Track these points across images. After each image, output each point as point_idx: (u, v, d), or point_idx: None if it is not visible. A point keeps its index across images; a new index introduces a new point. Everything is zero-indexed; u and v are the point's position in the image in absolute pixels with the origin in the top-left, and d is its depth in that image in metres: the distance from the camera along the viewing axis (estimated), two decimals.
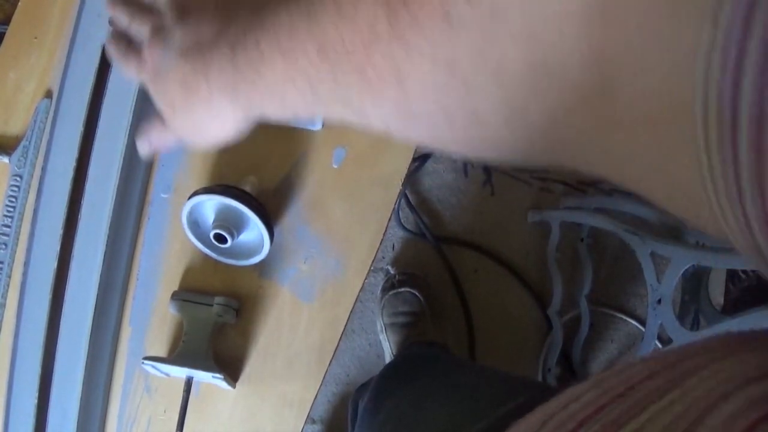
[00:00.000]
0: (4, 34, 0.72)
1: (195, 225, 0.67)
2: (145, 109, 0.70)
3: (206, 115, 0.36)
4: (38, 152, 0.70)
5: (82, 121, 0.68)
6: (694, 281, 1.20)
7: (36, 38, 0.72)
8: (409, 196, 1.33)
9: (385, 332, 1.22)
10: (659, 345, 1.16)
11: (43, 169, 0.69)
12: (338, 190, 0.71)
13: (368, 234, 0.70)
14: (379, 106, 0.24)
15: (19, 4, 0.73)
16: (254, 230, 0.66)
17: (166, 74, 0.36)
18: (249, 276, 0.70)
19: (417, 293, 1.21)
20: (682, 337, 0.92)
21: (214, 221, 0.65)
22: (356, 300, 0.69)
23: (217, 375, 0.64)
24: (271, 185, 0.71)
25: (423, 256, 1.32)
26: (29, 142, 0.70)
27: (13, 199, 0.69)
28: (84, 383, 0.66)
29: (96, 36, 0.69)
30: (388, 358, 1.22)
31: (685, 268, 0.93)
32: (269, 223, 0.65)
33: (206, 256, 0.69)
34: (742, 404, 0.17)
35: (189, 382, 0.65)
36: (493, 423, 0.44)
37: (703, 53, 0.14)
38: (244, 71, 0.30)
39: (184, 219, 0.65)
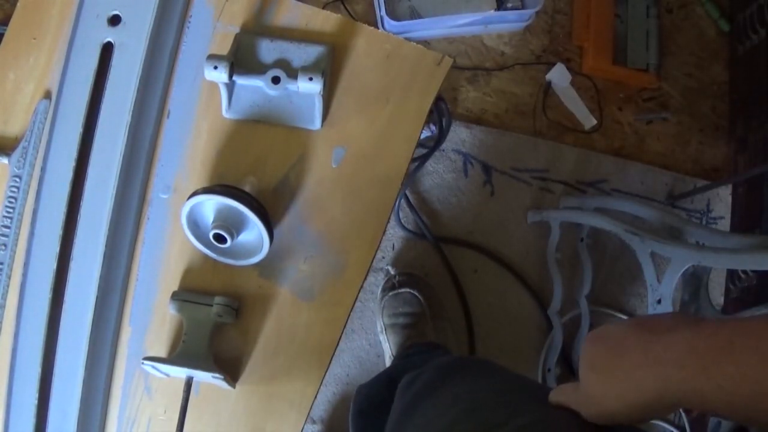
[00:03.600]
0: (3, 34, 0.72)
1: (195, 225, 0.67)
2: (144, 109, 0.70)
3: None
4: (37, 153, 0.70)
5: (81, 122, 0.68)
6: (694, 281, 1.20)
7: (35, 39, 0.72)
8: (409, 196, 1.33)
9: (385, 333, 1.22)
10: None
11: (43, 169, 0.69)
12: (338, 189, 0.71)
13: (368, 234, 0.70)
14: None
15: (19, 4, 0.73)
16: (254, 230, 0.66)
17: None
18: (249, 276, 0.70)
19: (417, 294, 1.21)
20: None
21: (213, 221, 0.65)
22: (356, 300, 0.69)
23: (217, 375, 0.64)
24: (270, 185, 0.71)
25: (423, 256, 1.32)
26: (28, 143, 0.70)
27: (13, 200, 0.69)
28: (84, 383, 0.66)
29: (95, 37, 0.69)
30: (387, 358, 1.22)
31: (685, 268, 0.93)
32: (269, 223, 0.65)
33: (206, 256, 0.69)
34: None
35: (189, 382, 0.65)
36: None
37: None
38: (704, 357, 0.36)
39: (184, 219, 0.65)
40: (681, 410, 1.28)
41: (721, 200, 1.40)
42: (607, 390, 0.41)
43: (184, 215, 0.65)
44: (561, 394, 0.48)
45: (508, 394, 0.54)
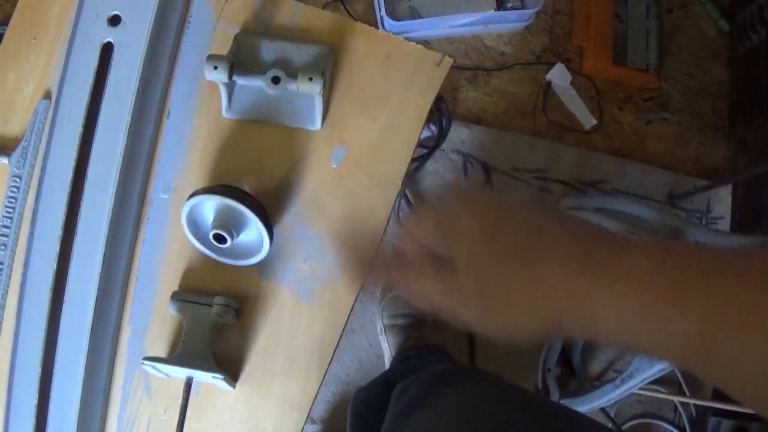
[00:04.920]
0: (3, 34, 0.72)
1: (194, 225, 0.67)
2: (144, 109, 0.70)
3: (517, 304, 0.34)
4: (37, 153, 0.70)
5: (81, 122, 0.68)
6: None
7: (35, 39, 0.72)
8: (409, 196, 1.33)
9: (385, 334, 1.22)
10: None
11: (43, 169, 0.69)
12: (338, 189, 0.71)
13: (368, 234, 0.70)
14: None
15: (18, 4, 0.73)
16: (254, 230, 0.66)
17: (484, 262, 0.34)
18: (249, 276, 0.70)
19: None
20: None
21: (213, 221, 0.65)
22: (356, 300, 0.69)
23: (217, 375, 0.64)
24: (270, 185, 0.71)
25: None
26: (28, 143, 0.70)
27: (13, 200, 0.69)
28: (84, 383, 0.66)
29: (95, 37, 0.69)
30: (387, 359, 1.22)
31: None
32: (269, 223, 0.65)
33: (206, 256, 0.69)
34: None
35: (189, 383, 0.65)
36: None
37: None
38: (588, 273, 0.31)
39: (184, 219, 0.65)
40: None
41: (721, 200, 1.40)
42: (512, 305, 0.34)
43: (184, 215, 0.65)
44: (422, 278, 0.37)
45: (498, 405, 0.54)
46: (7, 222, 0.69)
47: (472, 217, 0.35)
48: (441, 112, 1.12)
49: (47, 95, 0.71)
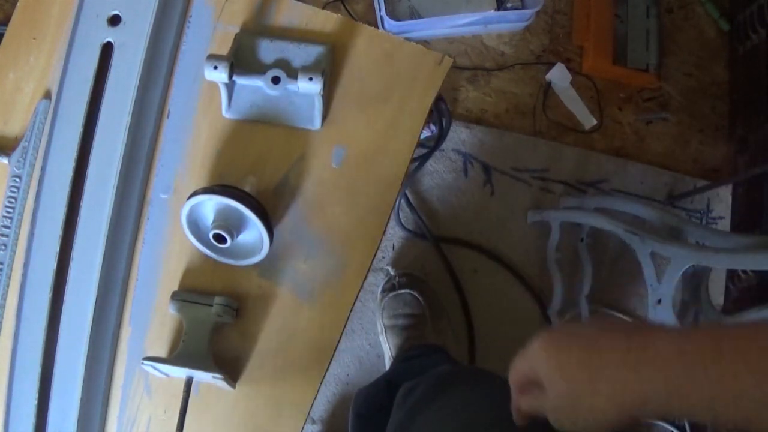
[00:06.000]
0: (3, 34, 0.72)
1: (194, 225, 0.67)
2: (144, 109, 0.70)
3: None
4: (37, 153, 0.70)
5: (81, 122, 0.68)
6: (694, 281, 1.20)
7: (35, 39, 0.72)
8: (409, 196, 1.33)
9: (385, 334, 1.22)
10: None
11: (42, 169, 0.69)
12: (338, 189, 0.71)
13: (368, 234, 0.70)
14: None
15: (18, 4, 0.73)
16: (254, 230, 0.66)
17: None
18: (249, 276, 0.70)
19: (417, 295, 1.21)
20: None
21: (213, 221, 0.65)
22: (356, 300, 0.69)
23: (217, 375, 0.64)
24: (270, 185, 0.71)
25: (423, 256, 1.32)
26: (28, 143, 0.70)
27: (13, 200, 0.69)
28: (84, 383, 0.66)
29: (95, 37, 0.69)
30: (387, 359, 1.22)
31: (685, 268, 0.93)
32: (269, 223, 0.65)
33: (206, 256, 0.69)
34: None
35: (189, 383, 0.65)
36: None
37: None
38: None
39: (184, 219, 0.65)
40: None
41: (721, 200, 1.40)
42: (588, 392, 0.40)
43: (184, 215, 0.65)
44: (524, 402, 0.46)
45: (503, 407, 0.54)
46: (7, 222, 0.69)
47: (540, 348, 0.45)
48: (441, 112, 1.12)
49: (47, 95, 0.71)
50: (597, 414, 0.39)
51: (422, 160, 1.28)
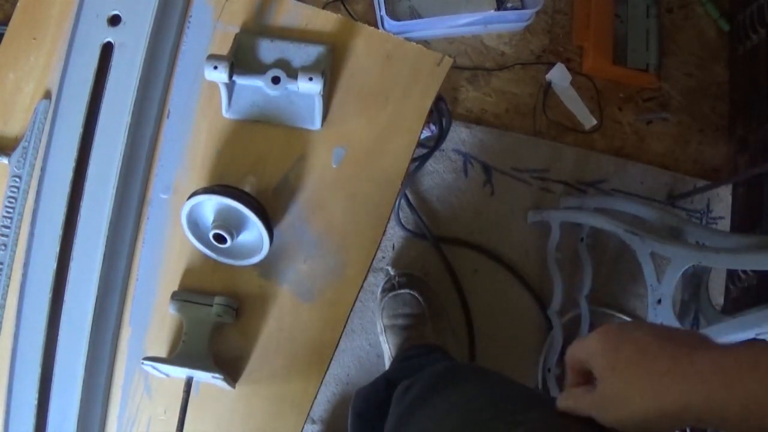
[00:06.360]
0: (3, 34, 0.72)
1: (194, 225, 0.67)
2: (144, 109, 0.70)
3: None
4: (37, 153, 0.70)
5: (81, 122, 0.68)
6: (694, 281, 1.20)
7: (35, 39, 0.72)
8: (409, 196, 1.33)
9: (385, 334, 1.22)
10: None
11: (42, 169, 0.69)
12: (338, 189, 0.71)
13: (368, 234, 0.70)
14: None
15: (18, 4, 0.73)
16: (254, 230, 0.66)
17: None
18: (249, 276, 0.70)
19: (417, 295, 1.21)
20: None
21: (213, 221, 0.65)
22: (356, 300, 0.69)
23: (217, 375, 0.64)
24: (270, 185, 0.71)
25: (423, 256, 1.32)
26: (28, 143, 0.70)
27: (13, 200, 0.69)
28: (84, 383, 0.66)
29: (95, 37, 0.69)
30: (387, 359, 1.22)
31: (685, 268, 0.93)
32: (269, 223, 0.65)
33: (206, 256, 0.69)
34: None
35: (189, 382, 0.65)
36: None
37: None
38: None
39: (184, 219, 0.65)
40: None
41: (721, 200, 1.40)
42: (634, 392, 0.41)
43: (184, 215, 0.65)
44: (570, 398, 0.47)
45: (503, 402, 0.54)
46: (7, 222, 0.69)
47: (597, 342, 0.46)
48: (441, 112, 1.12)
49: (47, 95, 0.71)
50: (638, 415, 0.41)
51: (422, 160, 1.28)
